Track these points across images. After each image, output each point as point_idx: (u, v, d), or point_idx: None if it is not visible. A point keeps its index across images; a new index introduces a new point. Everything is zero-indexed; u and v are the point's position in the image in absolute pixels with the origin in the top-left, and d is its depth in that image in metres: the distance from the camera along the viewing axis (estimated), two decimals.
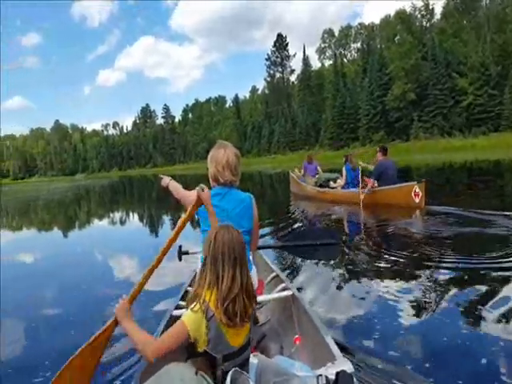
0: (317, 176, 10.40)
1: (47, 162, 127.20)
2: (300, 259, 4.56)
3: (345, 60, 72.54)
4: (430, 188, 7.67)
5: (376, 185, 7.92)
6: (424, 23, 54.12)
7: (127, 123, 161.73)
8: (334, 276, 4.03)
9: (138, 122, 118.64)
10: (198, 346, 1.49)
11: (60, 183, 59.37)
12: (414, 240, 5.37)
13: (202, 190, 1.92)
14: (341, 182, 9.22)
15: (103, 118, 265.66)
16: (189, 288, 2.72)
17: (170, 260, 2.66)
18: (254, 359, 1.24)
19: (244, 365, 1.48)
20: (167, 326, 1.74)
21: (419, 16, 53.77)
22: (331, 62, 71.13)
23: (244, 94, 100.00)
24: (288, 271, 4.21)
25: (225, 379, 1.33)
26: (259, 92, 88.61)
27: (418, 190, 7.25)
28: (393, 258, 4.45)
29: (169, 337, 1.49)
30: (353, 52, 76.35)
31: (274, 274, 2.83)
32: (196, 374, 1.30)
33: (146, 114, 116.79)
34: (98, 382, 2.24)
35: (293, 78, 72.16)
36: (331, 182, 9.64)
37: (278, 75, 70.78)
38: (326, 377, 1.11)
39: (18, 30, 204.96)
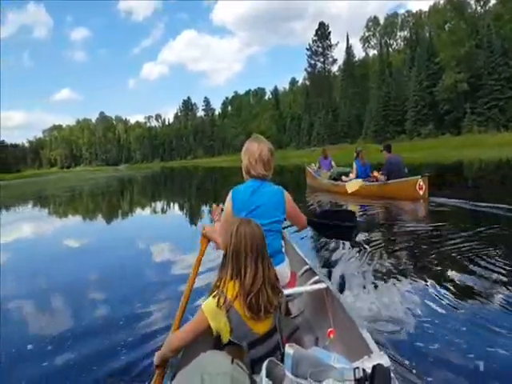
0: (331, 170, 11.15)
1: (92, 152, 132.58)
2: (325, 250, 4.72)
3: (390, 49, 69.62)
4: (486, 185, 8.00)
5: (383, 178, 8.58)
6: (478, 9, 50.62)
7: (169, 115, 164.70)
8: (361, 269, 4.01)
9: (179, 114, 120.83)
10: (223, 337, 1.50)
11: (103, 173, 61.46)
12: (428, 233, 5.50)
13: (204, 229, 2.09)
14: (352, 175, 9.80)
15: (146, 110, 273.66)
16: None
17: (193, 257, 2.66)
18: (289, 349, 1.21)
19: (273, 352, 1.49)
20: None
21: (473, 1, 50.32)
22: (376, 51, 68.69)
23: (283, 85, 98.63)
24: (320, 263, 4.26)
25: (255, 368, 1.35)
26: (299, 84, 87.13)
27: (421, 184, 7.89)
28: (414, 251, 4.58)
29: (190, 327, 1.56)
30: (399, 41, 73.29)
31: (306, 266, 2.81)
32: (232, 362, 1.29)
33: (188, 106, 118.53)
34: (136, 369, 2.39)
35: (334, 68, 70.19)
36: (343, 176, 10.27)
37: (319, 65, 68.73)
38: (364, 369, 1.06)
39: (68, 25, 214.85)
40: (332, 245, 4.95)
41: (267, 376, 1.24)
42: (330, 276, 3.67)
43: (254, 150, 2.21)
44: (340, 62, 67.67)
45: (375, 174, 8.92)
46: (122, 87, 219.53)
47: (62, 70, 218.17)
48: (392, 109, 49.33)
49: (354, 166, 9.69)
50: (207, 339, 1.65)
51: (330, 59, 68.36)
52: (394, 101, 49.37)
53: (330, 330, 2.10)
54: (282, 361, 1.38)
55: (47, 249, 7.36)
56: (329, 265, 4.18)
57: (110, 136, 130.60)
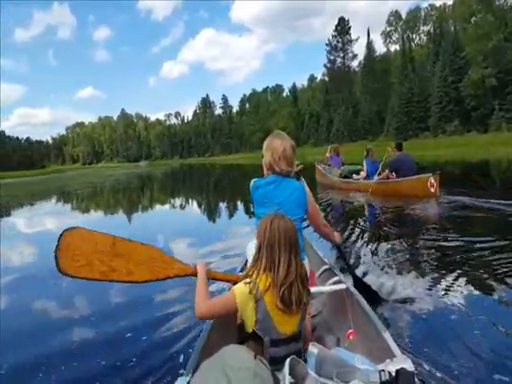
0: (341, 168, 11.18)
1: (113, 148, 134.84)
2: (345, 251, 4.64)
3: (413, 44, 67.82)
4: None
5: (393, 175, 8.62)
6: (507, 1, 48.64)
7: (188, 113, 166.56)
8: (382, 270, 3.95)
9: (198, 112, 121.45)
10: (247, 326, 1.53)
11: (124, 169, 62.43)
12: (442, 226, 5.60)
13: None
14: (363, 173, 9.93)
15: (166, 107, 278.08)
16: (239, 274, 2.73)
17: (222, 252, 2.96)
18: (313, 349, 1.21)
19: (297, 356, 1.45)
20: None
21: None
22: (397, 46, 67.10)
23: (302, 82, 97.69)
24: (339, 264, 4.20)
25: (274, 365, 1.35)
26: (317, 80, 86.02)
27: (433, 181, 7.93)
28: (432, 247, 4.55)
29: (219, 301, 1.62)
30: (422, 35, 71.39)
31: (325, 266, 2.81)
32: (255, 357, 1.29)
33: (206, 104, 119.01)
34: (158, 361, 2.44)
35: (355, 63, 68.66)
36: (354, 174, 10.43)
37: (338, 61, 67.43)
38: (389, 372, 1.06)
39: (91, 25, 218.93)
40: (351, 246, 4.95)
41: (289, 373, 1.22)
42: (349, 277, 3.58)
43: (278, 146, 2.19)
44: (360, 57, 66.36)
45: (383, 173, 9.02)
46: (143, 85, 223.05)
47: (85, 69, 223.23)
48: (415, 105, 47.92)
49: (364, 164, 9.81)
50: (229, 331, 1.68)
51: (350, 54, 67.09)
52: (417, 97, 47.94)
53: (350, 331, 2.06)
54: (302, 359, 1.37)
55: None
56: (348, 265, 4.09)
57: (131, 133, 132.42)
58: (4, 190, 28.89)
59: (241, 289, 1.56)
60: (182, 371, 1.65)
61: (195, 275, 1.86)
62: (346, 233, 5.75)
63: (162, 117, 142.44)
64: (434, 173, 7.97)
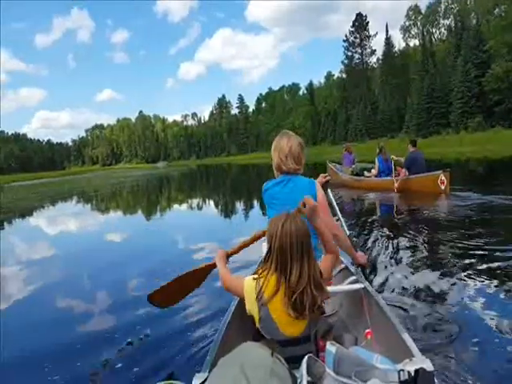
0: (353, 166, 11.30)
1: (132, 150, 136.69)
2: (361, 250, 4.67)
3: (433, 38, 66.14)
4: None
5: (407, 173, 8.72)
6: None
7: (205, 114, 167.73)
8: (400, 268, 3.92)
9: (214, 112, 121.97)
10: (255, 320, 1.55)
11: (143, 170, 63.35)
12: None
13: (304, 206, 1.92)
14: (374, 171, 9.95)
15: (183, 108, 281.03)
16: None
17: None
18: (331, 347, 1.19)
19: (303, 356, 1.43)
20: (239, 301, 2.09)
21: None
22: (417, 41, 65.56)
23: (319, 80, 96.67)
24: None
25: (290, 363, 1.36)
26: (335, 77, 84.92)
27: (443, 178, 8.09)
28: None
29: (234, 282, 1.74)
30: (442, 29, 69.54)
31: (342, 265, 2.78)
32: (272, 355, 1.28)
33: (222, 104, 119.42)
34: (180, 355, 2.53)
35: (373, 59, 67.38)
36: (365, 172, 10.49)
37: (356, 57, 66.42)
38: (409, 372, 1.04)
39: (109, 28, 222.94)
40: (368, 244, 4.89)
41: (307, 372, 1.22)
42: (366, 276, 3.50)
43: (284, 145, 2.17)
44: (379, 53, 65.14)
45: (398, 169, 9.11)
46: (161, 87, 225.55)
47: (103, 72, 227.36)
48: (436, 101, 46.56)
49: (376, 162, 9.81)
50: (247, 328, 1.70)
51: (368, 50, 65.96)
52: (438, 92, 46.56)
53: (367, 331, 2.03)
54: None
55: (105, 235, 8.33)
56: (361, 267, 4.00)
57: (149, 134, 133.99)
58: (23, 191, 29.48)
59: (249, 282, 1.59)
60: (198, 368, 1.66)
61: (214, 266, 2.14)
62: (357, 229, 5.84)
63: (179, 118, 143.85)
64: (444, 170, 8.09)
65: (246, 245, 2.31)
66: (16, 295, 4.52)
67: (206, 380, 1.34)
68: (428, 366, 1.26)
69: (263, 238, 2.28)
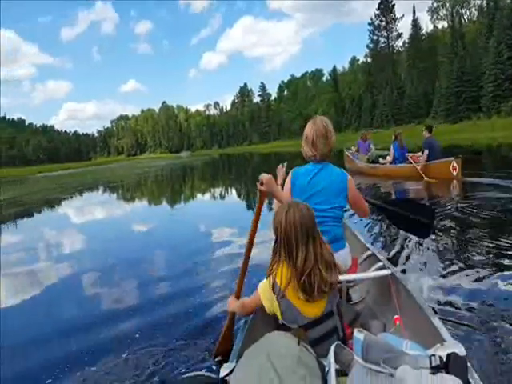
0: (369, 153, 11.34)
1: (156, 140, 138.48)
2: (388, 236, 4.63)
3: (463, 19, 63.18)
4: None
5: (424, 157, 8.84)
6: None
7: (227, 103, 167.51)
8: (428, 255, 3.82)
9: (236, 101, 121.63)
10: (278, 317, 1.58)
11: (167, 160, 64.28)
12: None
13: (261, 183, 1.98)
14: (389, 158, 10.01)
15: (206, 98, 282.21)
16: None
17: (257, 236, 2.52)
18: (359, 334, 1.17)
19: (330, 336, 1.53)
20: None
21: None
22: (445, 23, 62.80)
23: (343, 65, 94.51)
24: (383, 249, 4.12)
25: (318, 347, 1.39)
26: (360, 62, 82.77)
27: (455, 165, 8.32)
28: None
29: (248, 301, 1.78)
30: (472, 10, 66.27)
31: (368, 252, 2.76)
32: (298, 343, 1.28)
33: (244, 93, 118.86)
34: (204, 343, 2.56)
35: (399, 43, 65.10)
36: (380, 159, 10.59)
37: (382, 41, 64.32)
38: (440, 357, 1.03)
39: (133, 20, 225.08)
40: (395, 231, 4.76)
41: (334, 360, 1.23)
42: (394, 262, 3.52)
43: (308, 131, 2.19)
44: (405, 36, 62.85)
45: (412, 155, 9.28)
46: (183, 77, 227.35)
47: (127, 63, 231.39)
48: (466, 85, 44.56)
49: (392, 149, 9.90)
50: (273, 318, 1.71)
51: (394, 33, 63.65)
52: (468, 76, 44.53)
53: (395, 317, 2.00)
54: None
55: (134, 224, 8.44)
56: (392, 251, 4.06)
57: (172, 124, 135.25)
58: (46, 183, 30.32)
59: (264, 286, 1.61)
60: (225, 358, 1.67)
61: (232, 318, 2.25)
62: (374, 216, 5.69)
63: (201, 107, 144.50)
64: (456, 157, 8.34)
65: (244, 271, 2.19)
66: (45, 283, 4.64)
67: (232, 370, 1.34)
68: (460, 350, 1.21)
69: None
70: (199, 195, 13.29)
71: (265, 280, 1.62)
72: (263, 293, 1.61)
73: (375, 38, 64.35)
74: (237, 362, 1.44)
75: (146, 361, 2.44)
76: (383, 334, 1.50)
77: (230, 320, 2.25)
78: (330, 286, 1.54)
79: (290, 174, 2.25)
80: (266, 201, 2.27)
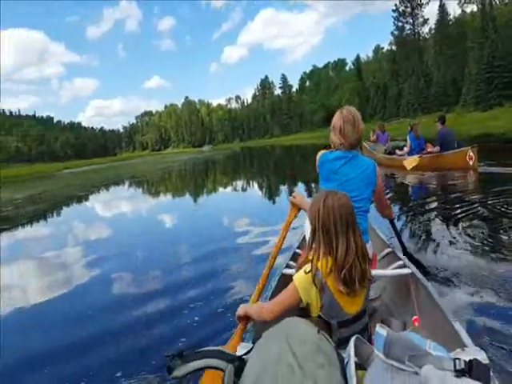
0: (386, 144, 11.39)
1: (179, 135, 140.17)
2: (411, 235, 4.44)
3: (493, 2, 60.36)
4: None
5: (437, 150, 8.93)
6: None
7: (248, 96, 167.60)
8: (450, 254, 3.60)
9: (257, 94, 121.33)
10: (312, 312, 1.51)
11: (189, 154, 65.33)
12: None
13: (294, 198, 2.19)
14: (406, 149, 10.06)
15: (227, 92, 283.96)
16: (297, 250, 2.83)
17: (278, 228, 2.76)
18: (381, 330, 1.12)
19: (361, 334, 1.44)
20: (278, 283, 2.18)
21: None
22: (474, 6, 60.10)
23: (366, 54, 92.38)
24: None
25: (341, 346, 1.35)
26: (384, 50, 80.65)
27: (471, 154, 8.26)
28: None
29: (281, 297, 1.58)
30: None
31: (388, 249, 2.70)
32: (318, 332, 1.25)
33: (265, 85, 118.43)
34: (222, 328, 2.59)
35: (425, 29, 63.02)
36: (397, 150, 10.57)
37: (407, 27, 62.41)
38: (465, 361, 1.01)
39: (156, 16, 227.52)
40: (416, 228, 4.71)
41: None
42: (414, 261, 3.19)
43: (336, 120, 2.16)
44: (431, 22, 60.76)
45: (429, 147, 9.28)
46: (205, 71, 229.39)
47: (151, 59, 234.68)
48: (497, 70, 42.52)
49: (408, 140, 9.90)
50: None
51: (420, 20, 61.54)
52: (500, 61, 42.44)
53: (414, 317, 1.92)
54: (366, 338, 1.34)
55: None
56: (413, 250, 3.76)
57: (194, 119, 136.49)
58: (69, 179, 31.15)
59: (302, 278, 1.51)
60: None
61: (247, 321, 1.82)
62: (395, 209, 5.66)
63: (223, 101, 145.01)
64: (472, 146, 8.25)
65: (266, 276, 2.09)
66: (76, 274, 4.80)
67: (250, 350, 1.31)
68: (483, 357, 1.18)
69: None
70: (221, 188, 13.33)
71: (301, 273, 1.52)
72: (302, 286, 1.50)
73: (400, 24, 62.47)
74: (253, 342, 1.42)
75: (172, 335, 2.73)
76: (405, 332, 1.43)
77: (242, 330, 1.83)
78: (368, 280, 1.52)
79: (318, 156, 2.21)
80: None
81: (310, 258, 1.54)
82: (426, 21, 61.37)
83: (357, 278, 1.45)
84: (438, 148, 8.93)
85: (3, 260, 5.82)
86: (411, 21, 61.79)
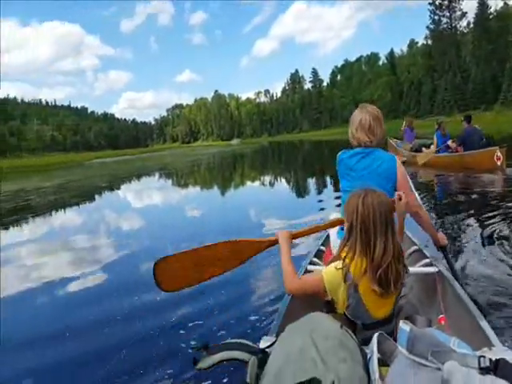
0: (412, 142, 11.38)
1: (208, 128, 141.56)
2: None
3: None
4: None
5: (460, 149, 8.90)
6: None
7: (277, 90, 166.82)
8: (481, 254, 3.53)
9: (287, 88, 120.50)
10: (337, 308, 1.51)
11: (217, 148, 65.81)
12: None
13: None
14: (433, 147, 9.94)
15: (257, 85, 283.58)
16: (321, 247, 2.84)
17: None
18: (405, 326, 1.13)
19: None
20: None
21: None
22: None
23: (400, 48, 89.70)
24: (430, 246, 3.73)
25: (364, 344, 1.32)
26: (419, 45, 78.06)
27: (499, 154, 7.98)
28: None
29: (308, 281, 1.62)
30: None
31: (415, 247, 2.68)
32: (341, 327, 1.24)
33: (295, 79, 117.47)
34: (248, 320, 2.69)
35: (463, 23, 60.54)
36: (424, 148, 10.51)
37: (444, 21, 60.25)
38: (490, 359, 0.99)
39: (188, 11, 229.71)
40: (446, 225, 4.63)
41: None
42: (449, 259, 3.14)
43: (356, 117, 2.14)
44: (470, 16, 58.27)
45: (450, 144, 9.19)
46: (235, 65, 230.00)
47: (182, 53, 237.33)
48: None
49: (435, 138, 9.81)
50: (312, 298, 1.68)
51: (458, 13, 59.32)
52: None
53: (440, 316, 1.90)
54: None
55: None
56: (442, 248, 3.66)
57: (224, 113, 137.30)
58: (96, 169, 32.03)
59: (331, 273, 1.48)
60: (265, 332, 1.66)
61: (277, 242, 1.85)
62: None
63: (252, 95, 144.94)
64: (500, 146, 8.01)
65: (317, 229, 2.03)
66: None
67: (272, 344, 1.32)
68: (510, 357, 1.10)
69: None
70: (249, 182, 13.44)
71: (332, 268, 1.50)
72: (330, 282, 1.49)
73: (436, 18, 60.44)
74: (276, 335, 1.43)
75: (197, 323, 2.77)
76: (429, 329, 1.39)
77: (266, 243, 1.94)
78: (401, 284, 1.47)
79: (338, 156, 2.20)
80: None
81: (343, 255, 1.51)
82: (464, 14, 59.13)
83: (392, 279, 1.42)
84: (456, 145, 8.85)
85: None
86: (448, 14, 59.65)
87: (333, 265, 1.51)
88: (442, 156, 9.50)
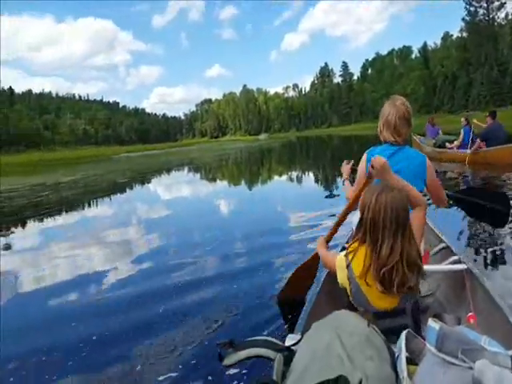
0: (436, 138, 11.29)
1: (236, 123, 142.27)
2: (467, 229, 4.31)
3: None
4: None
5: (483, 145, 8.76)
6: None
7: (306, 85, 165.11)
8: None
9: (315, 82, 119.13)
10: (347, 294, 1.55)
11: (245, 143, 65.62)
12: None
13: (372, 167, 1.82)
14: (457, 143, 9.98)
15: (286, 79, 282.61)
16: (346, 245, 2.95)
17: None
18: (434, 324, 1.10)
19: (397, 331, 1.32)
20: (327, 275, 2.21)
21: None
22: None
23: (434, 41, 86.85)
24: (460, 243, 3.79)
25: (387, 337, 1.32)
26: (454, 38, 75.25)
27: None
28: None
29: (329, 258, 1.74)
30: None
31: (443, 244, 2.62)
32: (368, 325, 1.26)
33: (324, 73, 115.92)
34: (274, 318, 2.68)
35: (501, 14, 57.85)
36: (447, 144, 10.49)
37: (480, 12, 57.72)
38: None
39: (218, 6, 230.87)
40: (472, 223, 4.50)
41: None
42: (471, 257, 3.28)
43: (384, 112, 2.11)
44: (509, 6, 55.68)
45: (477, 142, 9.07)
46: (264, 60, 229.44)
47: (212, 48, 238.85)
48: None
49: (462, 133, 9.77)
50: (338, 296, 1.72)
51: (496, 3, 56.69)
52: None
53: (469, 314, 1.88)
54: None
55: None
56: (471, 245, 3.78)
57: (252, 108, 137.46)
58: (123, 164, 32.76)
59: (341, 258, 1.57)
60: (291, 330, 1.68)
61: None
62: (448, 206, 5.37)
63: (280, 90, 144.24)
64: None
65: (339, 222, 2.26)
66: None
67: (298, 341, 1.34)
68: None
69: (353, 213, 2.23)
70: (276, 177, 13.56)
71: (344, 254, 1.56)
72: (340, 267, 1.56)
73: (472, 9, 58.00)
74: (302, 334, 1.45)
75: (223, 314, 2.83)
76: (459, 327, 1.37)
77: (314, 259, 2.47)
78: (409, 289, 1.41)
79: (365, 153, 2.19)
80: None
81: (352, 242, 1.58)
82: (502, 5, 56.42)
83: (396, 281, 1.39)
84: (478, 141, 8.78)
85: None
86: (485, 5, 57.10)
87: (345, 251, 1.58)
88: (464, 152, 9.38)
